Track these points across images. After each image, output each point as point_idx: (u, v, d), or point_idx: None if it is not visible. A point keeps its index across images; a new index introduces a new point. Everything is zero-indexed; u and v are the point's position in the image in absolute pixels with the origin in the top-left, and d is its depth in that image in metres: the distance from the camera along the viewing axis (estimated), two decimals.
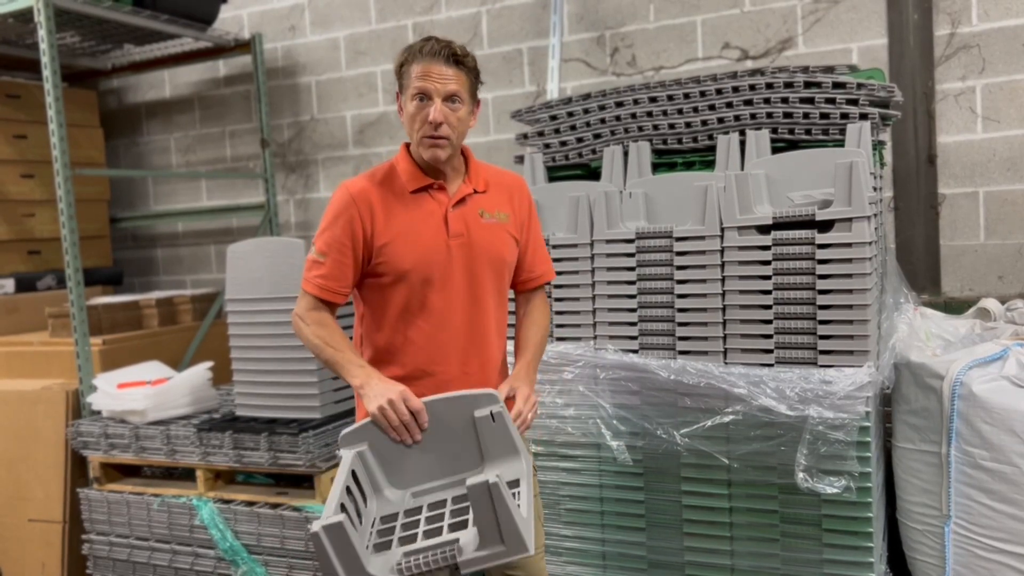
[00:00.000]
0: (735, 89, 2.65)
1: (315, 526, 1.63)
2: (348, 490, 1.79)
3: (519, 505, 1.73)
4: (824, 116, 2.54)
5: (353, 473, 1.83)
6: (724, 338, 2.43)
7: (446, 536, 1.70)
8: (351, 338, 2.10)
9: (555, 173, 2.97)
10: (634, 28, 3.81)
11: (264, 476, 3.23)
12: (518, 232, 2.12)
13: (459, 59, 1.94)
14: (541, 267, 2.20)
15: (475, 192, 2.06)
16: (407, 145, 2.08)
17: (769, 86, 2.61)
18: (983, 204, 3.33)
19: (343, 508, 1.71)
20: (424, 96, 1.93)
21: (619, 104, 2.84)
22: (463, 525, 1.73)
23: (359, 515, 1.80)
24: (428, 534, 1.74)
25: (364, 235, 1.98)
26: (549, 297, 2.62)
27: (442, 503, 1.86)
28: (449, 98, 1.93)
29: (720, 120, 2.69)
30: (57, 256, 4.26)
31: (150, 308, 4.02)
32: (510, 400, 2.00)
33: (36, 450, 3.56)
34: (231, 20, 4.66)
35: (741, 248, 2.38)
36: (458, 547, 1.65)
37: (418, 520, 1.81)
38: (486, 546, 1.65)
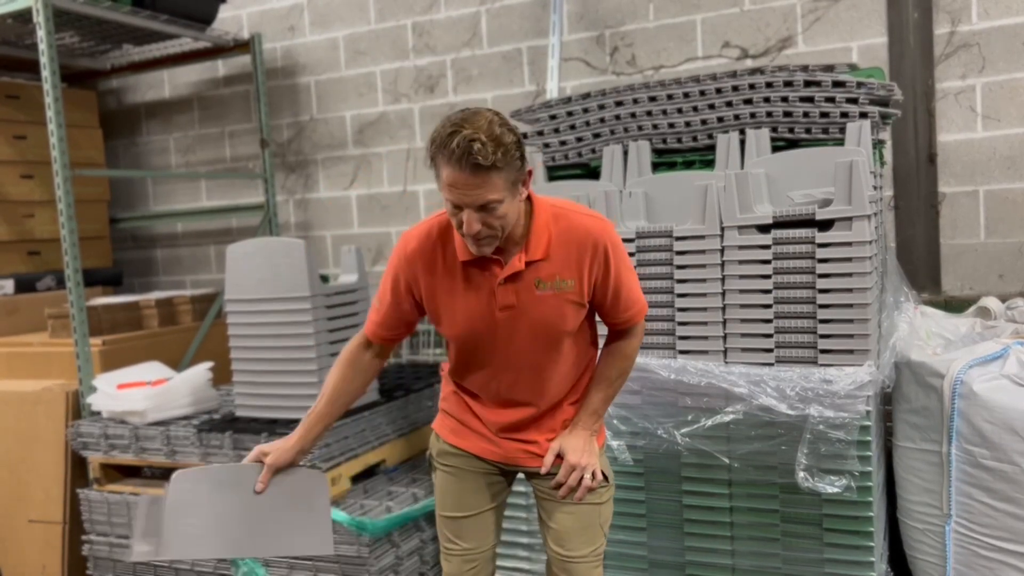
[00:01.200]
0: (735, 88, 2.65)
1: (144, 496, 1.90)
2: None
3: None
4: (824, 115, 2.54)
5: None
6: (724, 337, 2.43)
7: None
8: None
9: (555, 173, 2.97)
10: (634, 27, 3.80)
11: None
12: (585, 295, 1.90)
13: (486, 167, 1.65)
14: (625, 314, 1.97)
15: (529, 264, 1.84)
16: None
17: (769, 85, 2.60)
18: (983, 203, 3.32)
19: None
20: (456, 206, 1.72)
21: (619, 103, 2.84)
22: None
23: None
24: None
25: (411, 296, 1.96)
26: None
27: None
28: (482, 208, 1.70)
29: (720, 119, 2.69)
30: (57, 257, 4.26)
31: (150, 308, 4.02)
32: (559, 459, 1.99)
33: (36, 451, 3.56)
34: (230, 20, 4.65)
35: (741, 247, 2.38)
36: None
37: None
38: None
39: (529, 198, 1.87)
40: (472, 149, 1.63)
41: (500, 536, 2.16)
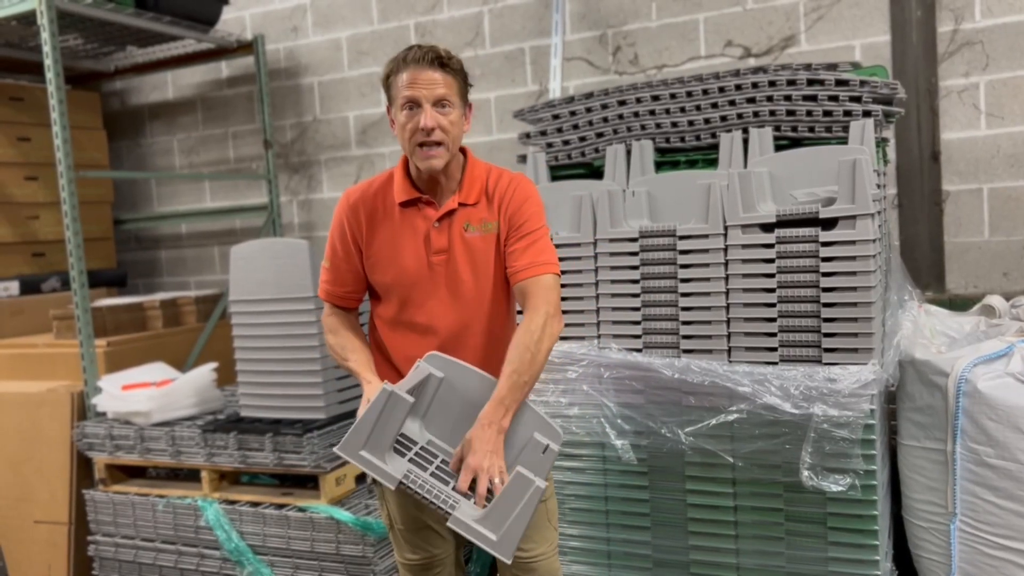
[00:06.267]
0: (738, 87, 2.65)
1: (388, 385, 1.84)
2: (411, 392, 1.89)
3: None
4: (827, 113, 2.54)
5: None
6: (728, 336, 2.43)
7: (451, 491, 1.82)
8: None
9: (558, 172, 2.97)
10: (636, 26, 3.80)
11: (269, 477, 3.23)
12: (502, 232, 2.01)
13: (444, 62, 1.91)
14: (520, 262, 1.97)
15: (462, 206, 2.00)
16: (406, 157, 2.05)
17: (772, 84, 2.60)
18: (987, 200, 3.32)
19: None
20: (413, 104, 1.90)
21: (621, 103, 2.84)
22: (466, 496, 1.82)
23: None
24: (435, 476, 1.86)
25: (356, 245, 2.05)
26: None
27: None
28: (438, 103, 1.91)
29: (723, 118, 2.69)
30: (61, 258, 4.26)
31: (154, 310, 4.02)
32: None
33: (41, 452, 3.57)
34: (233, 21, 4.66)
35: (744, 246, 2.38)
36: (459, 504, 1.78)
37: (432, 460, 1.89)
38: (484, 525, 1.75)
39: (465, 152, 2.07)
40: (435, 49, 1.92)
41: (463, 543, 2.14)
